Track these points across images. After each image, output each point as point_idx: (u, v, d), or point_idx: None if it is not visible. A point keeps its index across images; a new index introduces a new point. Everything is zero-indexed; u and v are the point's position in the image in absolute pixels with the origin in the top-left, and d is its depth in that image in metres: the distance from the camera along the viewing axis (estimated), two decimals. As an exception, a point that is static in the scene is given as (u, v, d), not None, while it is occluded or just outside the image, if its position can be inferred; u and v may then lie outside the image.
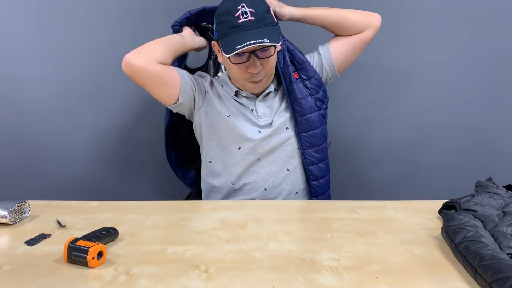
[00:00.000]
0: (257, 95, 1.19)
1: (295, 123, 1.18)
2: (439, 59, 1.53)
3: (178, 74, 1.15)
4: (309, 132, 1.18)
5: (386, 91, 1.56)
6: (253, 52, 1.04)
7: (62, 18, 1.48)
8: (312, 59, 1.24)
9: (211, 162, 1.22)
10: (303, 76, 1.20)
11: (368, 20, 1.21)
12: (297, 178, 1.21)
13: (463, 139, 1.60)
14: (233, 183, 1.19)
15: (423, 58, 1.53)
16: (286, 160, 1.19)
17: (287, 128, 1.19)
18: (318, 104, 1.20)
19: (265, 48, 1.05)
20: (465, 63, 1.53)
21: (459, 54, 1.53)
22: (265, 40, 1.00)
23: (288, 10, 1.19)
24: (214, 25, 1.10)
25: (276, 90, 1.21)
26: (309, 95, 1.19)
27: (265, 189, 1.18)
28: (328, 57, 1.22)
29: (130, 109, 1.56)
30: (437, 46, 1.52)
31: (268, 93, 1.20)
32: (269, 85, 1.20)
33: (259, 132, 1.17)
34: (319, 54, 1.23)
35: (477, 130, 1.59)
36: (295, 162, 1.20)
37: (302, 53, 1.22)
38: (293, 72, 1.19)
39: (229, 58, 1.05)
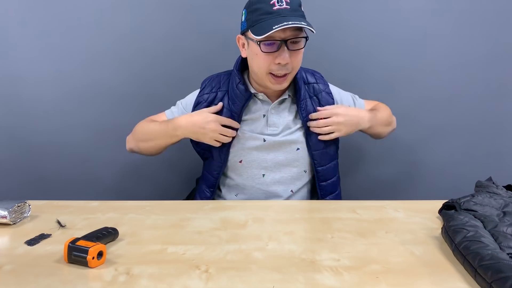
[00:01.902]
0: (272, 100, 1.17)
1: (315, 170, 1.19)
2: (439, 58, 1.53)
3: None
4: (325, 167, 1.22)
5: (386, 91, 1.56)
6: (284, 42, 1.02)
7: (62, 18, 1.48)
8: (347, 100, 1.25)
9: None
10: None
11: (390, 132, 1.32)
12: (300, 199, 1.21)
13: (463, 139, 1.60)
14: (236, 195, 1.20)
15: (423, 58, 1.53)
16: (291, 181, 1.18)
17: (297, 149, 1.17)
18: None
19: (296, 40, 1.03)
20: (465, 63, 1.53)
21: (460, 54, 1.52)
22: (303, 23, 0.99)
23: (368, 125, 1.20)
24: (243, 16, 1.09)
25: (290, 97, 1.18)
26: (330, 142, 1.19)
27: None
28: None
29: (130, 109, 1.56)
30: (437, 46, 1.52)
31: (284, 99, 1.17)
32: (286, 90, 1.18)
33: (264, 141, 1.15)
34: (353, 102, 1.26)
35: (477, 130, 1.59)
36: (300, 184, 1.20)
37: (330, 94, 1.21)
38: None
39: (259, 45, 1.03)
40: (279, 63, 1.04)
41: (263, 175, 1.17)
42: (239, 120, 1.15)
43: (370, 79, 1.55)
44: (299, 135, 1.17)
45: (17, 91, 1.53)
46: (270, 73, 1.07)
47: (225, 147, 1.15)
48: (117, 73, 1.53)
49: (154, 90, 1.54)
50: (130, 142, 1.26)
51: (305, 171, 1.20)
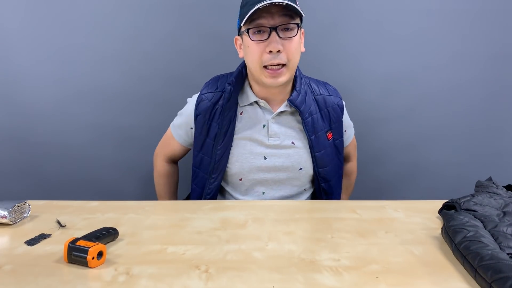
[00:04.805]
0: (274, 109, 1.13)
1: (319, 187, 1.18)
2: (439, 59, 1.53)
3: (177, 144, 1.25)
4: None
5: (386, 91, 1.56)
6: (274, 29, 0.98)
7: (62, 18, 1.48)
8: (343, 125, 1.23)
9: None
10: (335, 135, 1.17)
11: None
12: None
13: (463, 139, 1.60)
14: None
15: (423, 58, 1.53)
16: (290, 199, 1.17)
17: (300, 169, 1.14)
18: (340, 158, 1.22)
19: (287, 27, 0.99)
20: (465, 63, 1.53)
21: (459, 54, 1.53)
22: (287, 1, 0.94)
23: None
24: (237, 21, 1.08)
25: (292, 109, 1.13)
26: (336, 155, 1.18)
27: None
28: (345, 140, 1.25)
29: (130, 109, 1.56)
30: (437, 46, 1.52)
31: (284, 111, 1.12)
32: (285, 98, 1.12)
33: (265, 158, 1.12)
34: (346, 131, 1.24)
35: (477, 130, 1.59)
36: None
37: (341, 108, 1.18)
38: (327, 131, 1.15)
39: (248, 34, 1.01)
40: (270, 51, 0.99)
41: (263, 192, 1.15)
42: (232, 132, 1.12)
43: (369, 80, 1.55)
44: (303, 154, 1.14)
45: (17, 92, 1.53)
46: (265, 67, 1.02)
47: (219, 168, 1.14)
48: (117, 74, 1.53)
49: (155, 91, 1.54)
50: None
51: (305, 189, 1.19)
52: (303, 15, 1.01)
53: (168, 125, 1.27)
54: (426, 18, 1.50)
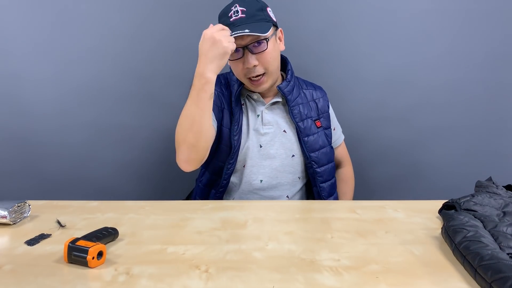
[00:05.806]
0: (267, 101, 1.21)
1: (313, 172, 1.20)
2: (439, 59, 1.53)
3: (214, 128, 1.13)
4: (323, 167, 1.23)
5: (386, 91, 1.56)
6: (246, 47, 1.08)
7: (62, 18, 1.48)
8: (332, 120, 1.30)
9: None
10: (324, 124, 1.25)
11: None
12: None
13: (463, 139, 1.60)
14: (233, 198, 1.21)
15: (423, 58, 1.53)
16: (286, 187, 1.21)
17: (293, 156, 1.20)
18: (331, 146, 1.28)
19: (257, 43, 1.08)
20: (465, 63, 1.53)
21: (459, 54, 1.53)
22: (246, 31, 1.03)
23: None
24: None
25: (283, 100, 1.22)
26: (327, 143, 1.24)
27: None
28: (334, 141, 1.32)
29: (130, 109, 1.56)
30: (437, 46, 1.52)
31: (277, 102, 1.21)
32: (276, 91, 1.20)
33: (261, 146, 1.18)
34: (334, 129, 1.31)
35: (477, 130, 1.59)
36: (294, 190, 1.22)
37: (327, 102, 1.28)
38: (315, 120, 1.23)
39: None
40: (247, 67, 1.09)
41: (261, 180, 1.19)
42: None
43: (369, 80, 1.55)
44: (294, 142, 1.20)
45: (16, 91, 1.53)
46: (248, 77, 1.12)
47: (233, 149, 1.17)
48: (117, 73, 1.53)
49: (154, 90, 1.55)
50: (180, 151, 1.04)
51: (299, 178, 1.23)
52: (262, 35, 1.06)
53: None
54: (425, 18, 1.50)
